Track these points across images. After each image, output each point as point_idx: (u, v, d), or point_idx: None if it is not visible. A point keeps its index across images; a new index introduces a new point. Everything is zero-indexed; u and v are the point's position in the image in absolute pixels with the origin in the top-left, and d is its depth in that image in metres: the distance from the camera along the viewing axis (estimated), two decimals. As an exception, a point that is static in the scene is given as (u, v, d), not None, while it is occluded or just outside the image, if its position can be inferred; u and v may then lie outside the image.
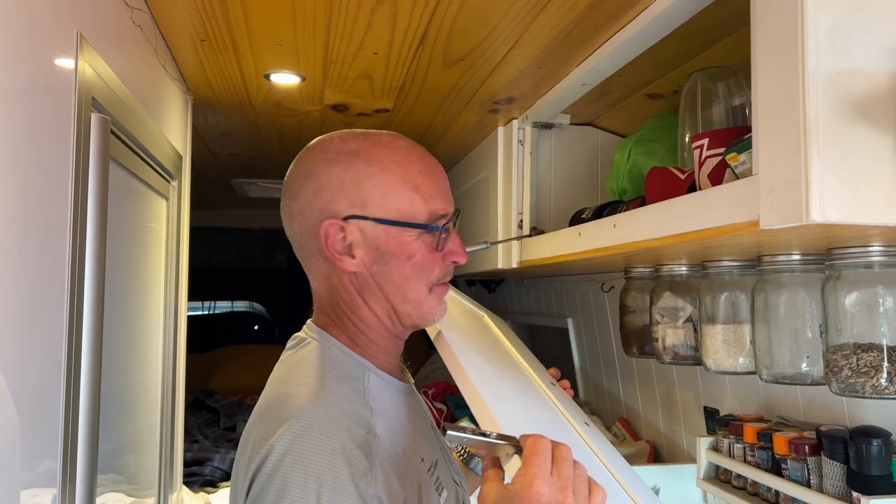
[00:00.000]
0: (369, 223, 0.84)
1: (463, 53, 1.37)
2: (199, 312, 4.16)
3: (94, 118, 0.84)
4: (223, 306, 4.22)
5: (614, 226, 1.19)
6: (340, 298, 0.88)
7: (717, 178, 1.00)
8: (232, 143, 2.18)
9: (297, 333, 0.91)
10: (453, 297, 1.39)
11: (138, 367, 1.26)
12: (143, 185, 1.21)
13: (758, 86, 0.82)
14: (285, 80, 1.55)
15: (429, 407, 2.25)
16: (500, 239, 1.81)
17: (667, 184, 1.15)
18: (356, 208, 0.84)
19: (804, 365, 1.05)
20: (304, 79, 1.55)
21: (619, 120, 1.74)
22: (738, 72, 1.19)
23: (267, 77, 1.54)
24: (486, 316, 1.45)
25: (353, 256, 0.85)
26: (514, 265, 1.73)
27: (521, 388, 1.10)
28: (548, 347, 2.66)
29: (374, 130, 0.90)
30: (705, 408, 1.59)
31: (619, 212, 1.30)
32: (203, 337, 3.86)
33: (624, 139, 1.54)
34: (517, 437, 0.75)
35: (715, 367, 1.21)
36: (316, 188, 0.85)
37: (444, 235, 0.86)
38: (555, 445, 0.73)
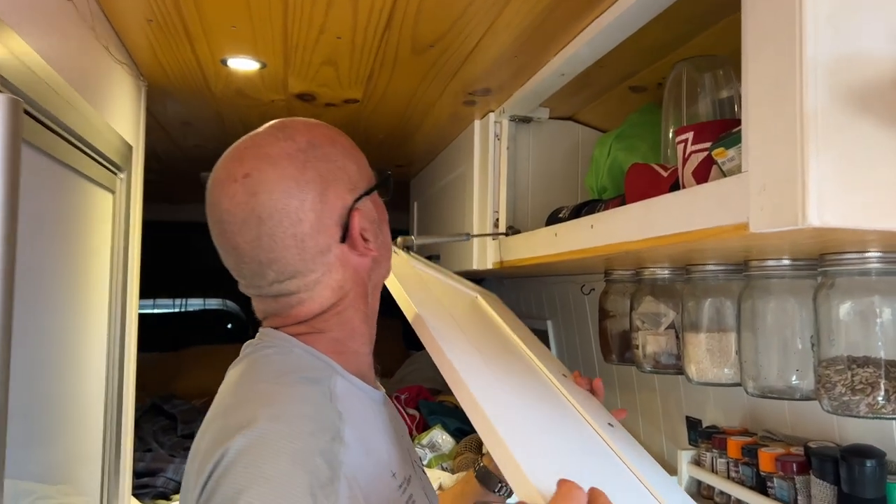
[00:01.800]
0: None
1: (433, 39, 1.28)
2: (171, 310, 4.03)
3: (1, 98, 0.74)
4: (195, 304, 4.09)
5: (592, 226, 1.11)
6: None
7: (702, 175, 0.91)
8: (195, 133, 2.08)
9: (251, 340, 0.85)
10: (440, 278, 1.25)
11: (73, 373, 1.16)
12: (78, 176, 1.10)
13: (749, 74, 0.74)
14: (244, 65, 1.45)
15: (402, 416, 2.15)
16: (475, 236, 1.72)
17: (648, 181, 1.07)
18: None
19: (793, 378, 0.97)
20: (264, 65, 1.45)
21: (601, 114, 1.65)
22: (727, 62, 1.11)
23: (224, 62, 1.44)
24: (479, 297, 1.31)
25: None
26: (490, 266, 1.65)
27: (528, 388, 0.98)
28: (527, 349, 2.58)
29: None
30: (687, 417, 1.51)
31: (598, 211, 1.22)
32: (175, 335, 3.75)
33: (605, 134, 1.46)
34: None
35: (698, 378, 1.13)
36: None
37: None
38: (594, 496, 0.64)
